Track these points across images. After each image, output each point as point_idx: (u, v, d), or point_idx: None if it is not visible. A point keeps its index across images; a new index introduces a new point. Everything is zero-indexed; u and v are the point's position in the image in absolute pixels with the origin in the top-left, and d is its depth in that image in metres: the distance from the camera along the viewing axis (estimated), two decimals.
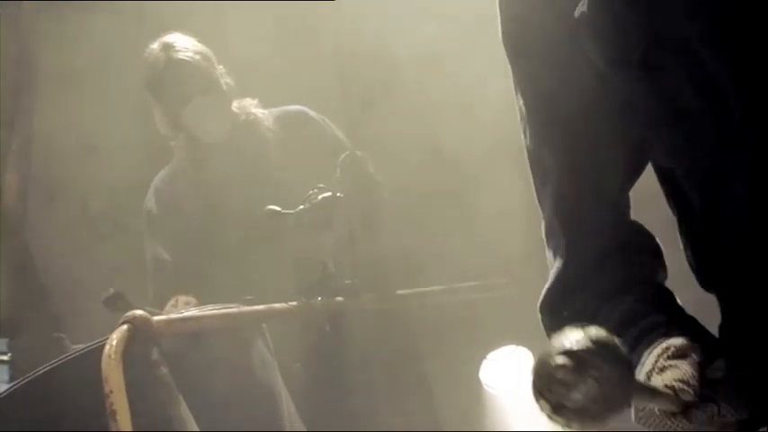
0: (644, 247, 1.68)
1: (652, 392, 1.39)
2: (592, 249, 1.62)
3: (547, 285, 1.68)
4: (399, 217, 4.33)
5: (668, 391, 1.40)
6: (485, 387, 4.80)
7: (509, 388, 4.76)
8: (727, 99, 1.47)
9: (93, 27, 4.84)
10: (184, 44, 4.30)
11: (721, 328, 1.60)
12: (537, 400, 1.21)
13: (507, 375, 4.76)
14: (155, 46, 4.30)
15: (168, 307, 3.95)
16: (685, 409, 1.40)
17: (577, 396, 1.17)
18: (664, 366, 1.45)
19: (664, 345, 1.48)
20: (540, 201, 1.71)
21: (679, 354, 1.45)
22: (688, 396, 1.40)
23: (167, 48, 4.27)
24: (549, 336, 1.67)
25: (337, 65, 4.55)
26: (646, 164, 1.70)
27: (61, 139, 4.97)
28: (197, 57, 4.29)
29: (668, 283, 1.67)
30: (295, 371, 4.01)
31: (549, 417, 1.21)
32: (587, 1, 1.56)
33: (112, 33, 4.78)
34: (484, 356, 4.79)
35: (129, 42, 4.55)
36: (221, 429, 3.51)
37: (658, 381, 1.42)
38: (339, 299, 4.00)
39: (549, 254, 1.70)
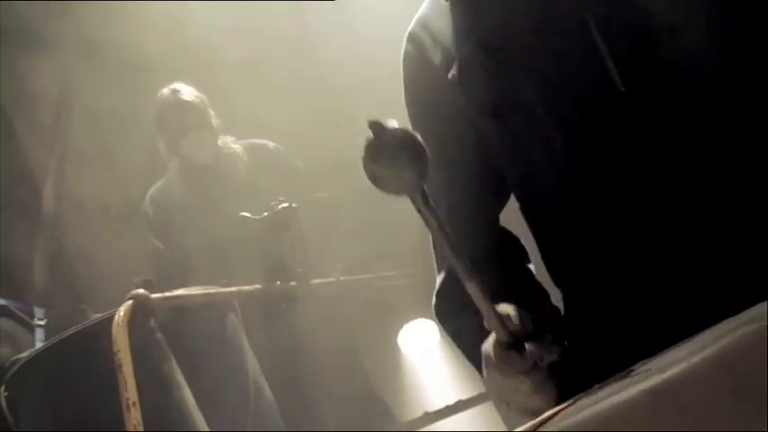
0: (514, 250, 1.66)
1: (489, 307, 1.30)
2: (473, 253, 1.52)
3: (439, 281, 1.65)
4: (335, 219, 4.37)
5: (500, 314, 1.33)
6: (401, 350, 4.86)
7: (420, 351, 4.82)
8: (552, 139, 1.47)
9: (115, 74, 4.82)
10: (188, 90, 4.31)
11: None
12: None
13: (419, 341, 4.82)
14: (165, 90, 4.31)
15: None
16: (515, 342, 1.34)
17: (378, 167, 1.16)
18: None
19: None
20: None
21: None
22: (513, 325, 1.34)
23: (175, 92, 4.29)
24: (438, 318, 1.69)
25: None
26: (506, 195, 1.67)
27: (88, 158, 4.95)
28: (197, 100, 4.30)
29: None
30: (258, 335, 4.00)
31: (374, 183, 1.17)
32: (456, 67, 1.56)
33: (129, 78, 4.75)
34: (401, 326, 4.85)
35: (141, 87, 4.53)
36: (202, 379, 3.47)
37: None
38: (293, 283, 4.02)
39: (434, 255, 1.68)
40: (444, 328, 1.67)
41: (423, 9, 1.70)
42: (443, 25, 1.62)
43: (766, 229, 1.38)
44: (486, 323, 1.33)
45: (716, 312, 1.07)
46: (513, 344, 1.34)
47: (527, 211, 1.64)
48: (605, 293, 1.49)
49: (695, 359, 0.87)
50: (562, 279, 1.60)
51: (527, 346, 1.35)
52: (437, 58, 1.62)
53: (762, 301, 1.01)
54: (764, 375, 0.84)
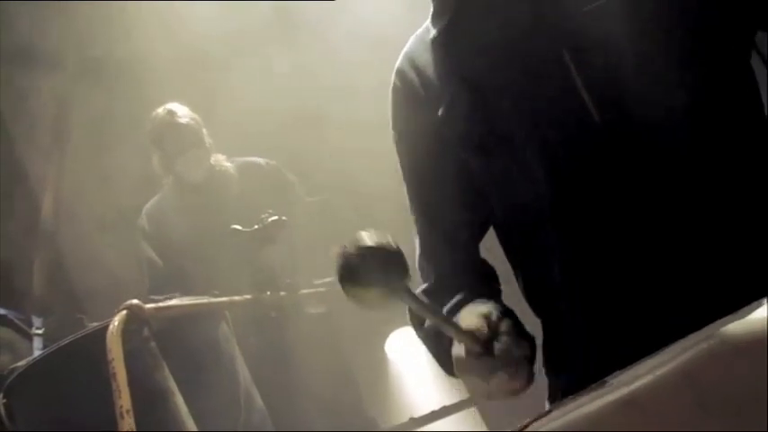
0: (487, 276, 1.68)
1: (457, 328, 1.37)
2: (451, 273, 1.62)
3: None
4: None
5: (469, 331, 1.38)
6: (388, 357, 4.86)
7: (406, 358, 4.80)
8: (534, 171, 1.50)
9: (111, 89, 4.81)
10: (183, 111, 4.25)
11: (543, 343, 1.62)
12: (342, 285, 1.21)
13: (405, 349, 4.79)
14: (160, 110, 4.25)
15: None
16: (486, 346, 1.38)
17: (358, 292, 1.20)
18: (464, 316, 1.45)
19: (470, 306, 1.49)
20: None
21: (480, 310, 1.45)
22: (483, 334, 1.38)
23: (171, 113, 4.22)
24: (412, 325, 1.68)
25: None
26: (489, 224, 1.70)
27: (85, 172, 4.92)
28: (192, 121, 4.25)
29: None
30: (249, 344, 4.01)
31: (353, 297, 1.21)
32: (444, 106, 1.59)
33: (125, 94, 4.73)
34: (388, 334, 4.82)
35: (136, 103, 4.51)
36: (195, 386, 3.49)
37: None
38: (282, 293, 4.01)
39: (420, 273, 1.69)
40: (416, 334, 1.68)
41: (409, 45, 1.72)
42: (430, 62, 1.64)
43: (731, 250, 1.43)
44: (457, 340, 1.40)
45: (684, 328, 1.08)
46: (484, 352, 1.38)
47: (507, 239, 1.67)
48: (581, 312, 1.52)
49: (660, 372, 0.88)
50: (539, 304, 1.63)
51: (496, 346, 1.39)
52: (424, 95, 1.64)
53: (721, 316, 1.02)
54: (727, 388, 0.85)
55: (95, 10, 4.92)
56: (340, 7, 4.57)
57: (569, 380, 1.52)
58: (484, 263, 1.71)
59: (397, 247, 1.22)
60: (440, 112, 1.59)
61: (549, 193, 1.50)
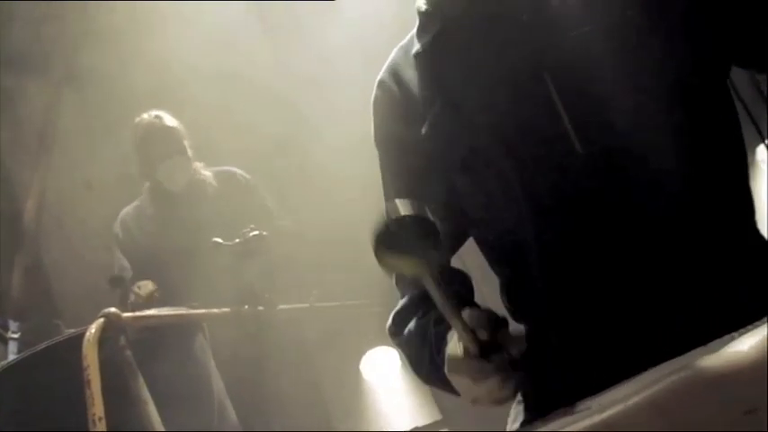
0: (463, 283, 1.66)
1: (464, 324, 1.33)
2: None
3: (399, 305, 1.67)
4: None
5: (472, 331, 1.34)
6: (363, 376, 4.84)
7: (381, 377, 4.80)
8: (516, 193, 1.50)
9: (96, 98, 4.80)
10: (168, 117, 4.25)
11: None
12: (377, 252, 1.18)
13: (380, 368, 4.78)
14: (145, 116, 4.24)
15: (134, 288, 3.95)
16: (482, 350, 1.34)
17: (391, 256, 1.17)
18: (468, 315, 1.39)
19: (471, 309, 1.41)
20: None
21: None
22: (483, 335, 1.34)
23: (158, 118, 4.22)
24: (390, 334, 1.69)
25: None
26: (464, 238, 1.70)
27: (68, 179, 4.91)
28: (178, 127, 4.25)
29: None
30: (225, 358, 3.97)
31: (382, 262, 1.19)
32: (428, 123, 1.58)
33: (110, 103, 4.71)
34: (364, 353, 4.78)
35: (119, 112, 4.49)
36: (169, 396, 3.44)
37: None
38: (260, 308, 3.99)
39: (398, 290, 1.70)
40: (394, 342, 1.68)
41: (393, 57, 1.72)
42: (413, 77, 1.64)
43: (710, 280, 1.43)
44: (459, 338, 1.35)
45: (660, 356, 1.08)
46: (482, 355, 1.35)
47: (489, 252, 1.67)
48: (558, 329, 1.52)
49: (632, 401, 0.88)
50: (521, 315, 1.62)
51: (494, 355, 1.36)
52: (407, 109, 1.64)
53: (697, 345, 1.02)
54: (698, 420, 0.85)
55: (84, 18, 4.92)
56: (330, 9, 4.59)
57: (545, 392, 1.52)
58: (459, 271, 1.69)
59: (434, 220, 1.20)
60: (423, 130, 1.59)
61: (530, 217, 1.49)
